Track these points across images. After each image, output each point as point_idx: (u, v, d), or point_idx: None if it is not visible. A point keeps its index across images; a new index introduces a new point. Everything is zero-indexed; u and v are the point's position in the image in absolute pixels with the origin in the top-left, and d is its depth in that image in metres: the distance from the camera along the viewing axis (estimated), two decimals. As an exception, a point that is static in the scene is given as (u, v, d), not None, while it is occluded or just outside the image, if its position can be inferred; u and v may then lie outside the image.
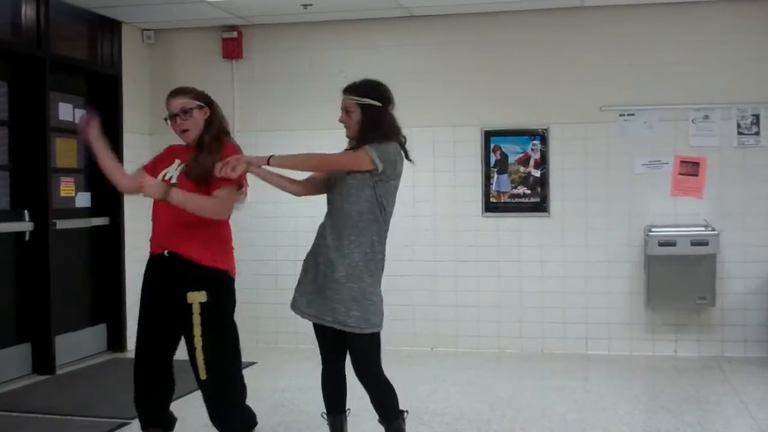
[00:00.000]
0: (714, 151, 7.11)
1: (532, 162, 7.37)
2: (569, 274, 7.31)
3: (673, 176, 7.17)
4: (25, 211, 6.61)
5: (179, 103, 4.29)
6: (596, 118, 7.26)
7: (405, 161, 4.21)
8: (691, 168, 7.14)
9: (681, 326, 7.17)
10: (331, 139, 7.53)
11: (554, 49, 7.34)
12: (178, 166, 4.21)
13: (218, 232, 4.20)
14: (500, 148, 7.40)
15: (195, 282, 4.06)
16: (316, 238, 4.17)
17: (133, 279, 7.67)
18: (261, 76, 7.83)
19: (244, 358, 7.26)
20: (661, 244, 6.90)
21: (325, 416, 4.29)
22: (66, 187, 7.20)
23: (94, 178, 7.50)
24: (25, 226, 6.60)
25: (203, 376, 4.11)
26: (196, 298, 4.06)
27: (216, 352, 4.14)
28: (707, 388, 6.10)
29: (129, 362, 7.17)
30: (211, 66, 7.89)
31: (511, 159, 7.40)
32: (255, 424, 4.26)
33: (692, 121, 7.14)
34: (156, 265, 4.22)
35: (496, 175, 7.42)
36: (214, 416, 4.14)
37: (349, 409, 4.29)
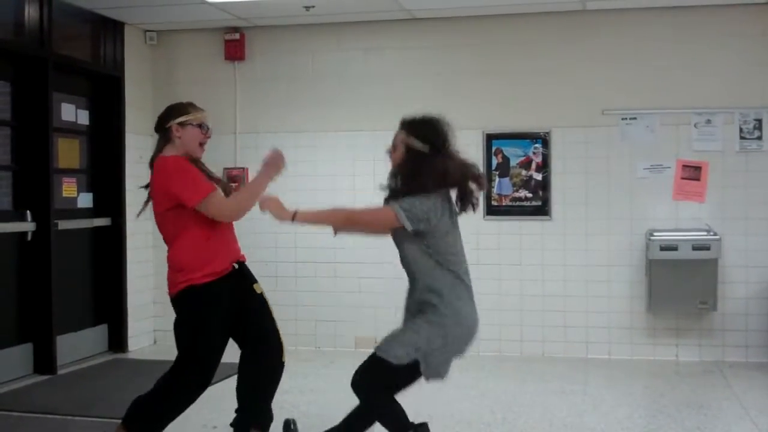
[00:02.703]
0: (716, 156, 7.11)
1: (533, 165, 7.37)
2: (570, 277, 7.31)
3: (675, 180, 7.17)
4: (27, 212, 6.61)
5: (204, 115, 4.41)
6: (598, 122, 7.26)
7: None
8: (693, 172, 7.14)
9: (682, 331, 7.16)
10: (332, 140, 7.64)
11: (556, 52, 7.34)
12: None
13: None
14: (502, 151, 7.41)
15: (252, 276, 4.44)
16: None
17: (134, 280, 7.70)
18: (263, 78, 7.84)
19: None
20: (662, 249, 6.90)
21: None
22: (68, 188, 7.20)
23: (96, 178, 7.53)
24: (27, 226, 6.60)
25: (285, 359, 4.43)
26: (261, 288, 4.42)
27: None
28: (708, 393, 6.10)
29: (130, 363, 7.24)
30: (213, 67, 7.91)
31: (513, 162, 7.40)
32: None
33: (694, 126, 7.14)
34: (232, 279, 4.30)
35: (497, 179, 7.42)
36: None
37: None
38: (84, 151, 7.43)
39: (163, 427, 4.30)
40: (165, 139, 4.34)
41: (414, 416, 5.00)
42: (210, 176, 4.36)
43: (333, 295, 7.48)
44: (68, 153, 7.20)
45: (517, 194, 7.40)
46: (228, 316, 4.26)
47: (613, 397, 5.96)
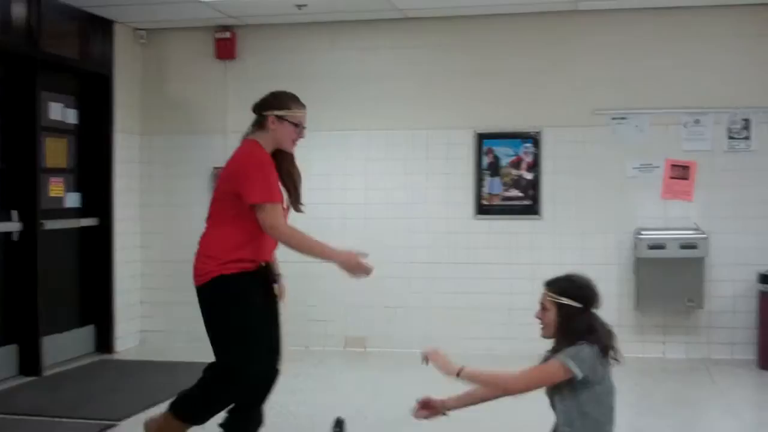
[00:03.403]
0: (705, 155, 7.13)
1: (524, 165, 7.37)
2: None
3: (663, 180, 7.19)
4: (14, 211, 6.57)
5: (304, 115, 4.32)
6: (588, 122, 7.27)
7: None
8: (681, 172, 7.16)
9: (669, 328, 7.19)
10: (325, 139, 7.60)
11: (548, 52, 7.35)
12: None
13: None
14: (493, 150, 7.41)
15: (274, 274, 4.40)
16: None
17: (122, 280, 7.66)
18: (255, 77, 7.79)
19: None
20: (650, 247, 6.92)
21: None
22: (55, 187, 7.15)
23: (83, 178, 7.48)
24: (14, 226, 6.56)
25: (280, 366, 4.39)
26: (278, 291, 4.42)
27: None
28: (694, 389, 6.14)
29: (117, 363, 7.21)
30: (204, 66, 7.88)
31: (504, 162, 7.40)
32: None
33: (684, 125, 7.16)
34: (259, 277, 4.27)
35: (488, 178, 7.42)
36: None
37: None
38: (72, 150, 7.38)
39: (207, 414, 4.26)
40: (259, 125, 4.27)
41: (404, 414, 4.98)
42: (288, 175, 4.28)
43: (323, 295, 7.47)
44: (56, 152, 7.16)
45: (507, 193, 7.40)
46: (257, 305, 4.20)
47: (602, 396, 5.96)
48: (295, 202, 4.34)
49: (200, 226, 8.33)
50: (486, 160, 7.42)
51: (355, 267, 4.05)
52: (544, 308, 3.88)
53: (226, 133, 7.82)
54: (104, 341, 7.58)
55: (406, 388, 5.84)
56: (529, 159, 7.36)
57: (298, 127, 4.26)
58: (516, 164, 7.38)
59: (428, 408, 3.96)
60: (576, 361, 3.67)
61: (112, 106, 7.58)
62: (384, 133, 7.58)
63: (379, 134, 7.61)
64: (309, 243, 4.11)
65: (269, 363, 4.25)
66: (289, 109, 4.26)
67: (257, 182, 4.08)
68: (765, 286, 6.71)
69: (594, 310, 3.84)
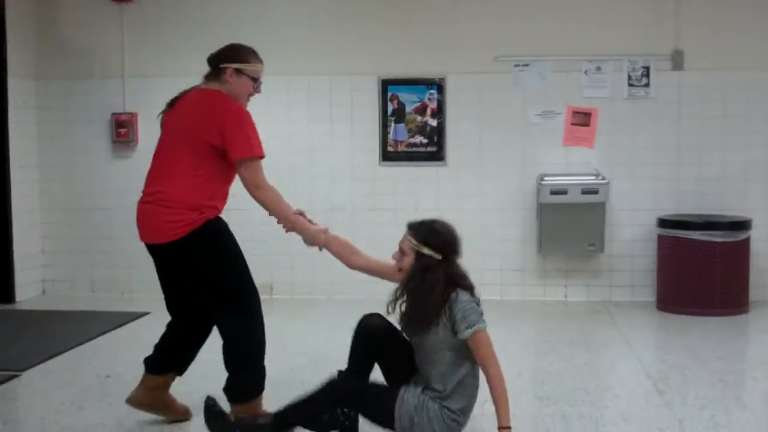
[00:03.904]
0: (605, 103, 7.28)
1: (428, 111, 7.40)
2: (464, 221, 7.30)
3: (565, 126, 7.32)
4: None
5: (262, 70, 4.21)
6: (491, 68, 7.33)
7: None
8: (583, 118, 7.30)
9: (571, 272, 7.38)
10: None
11: (452, -2, 7.36)
12: None
13: None
14: (397, 97, 7.41)
15: None
16: None
17: (21, 229, 7.46)
18: (151, 20, 7.60)
19: (140, 309, 7.16)
20: (552, 193, 7.06)
21: None
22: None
23: (-23, 124, 7.22)
24: None
25: None
26: None
27: None
28: (595, 331, 6.32)
29: (18, 313, 7.05)
30: (99, 9, 7.64)
31: (409, 108, 7.41)
32: None
33: (585, 73, 7.28)
34: None
35: (393, 125, 7.43)
36: None
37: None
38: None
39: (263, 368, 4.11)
40: (215, 76, 4.11)
41: (312, 359, 5.03)
42: None
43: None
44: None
45: (412, 140, 7.43)
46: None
47: (504, 336, 6.06)
48: None
49: (100, 172, 8.14)
50: (391, 107, 7.42)
51: (317, 241, 4.21)
52: (402, 251, 3.86)
53: (124, 78, 7.63)
54: (4, 291, 7.41)
55: (310, 335, 5.91)
56: (433, 105, 7.39)
57: (256, 81, 4.17)
58: (421, 111, 7.40)
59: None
60: (482, 317, 3.78)
61: (6, 50, 7.30)
62: (285, 79, 7.46)
63: (280, 80, 7.50)
64: (284, 208, 4.13)
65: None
66: (248, 62, 4.16)
67: (243, 136, 3.96)
68: (663, 230, 6.93)
69: (454, 260, 3.81)
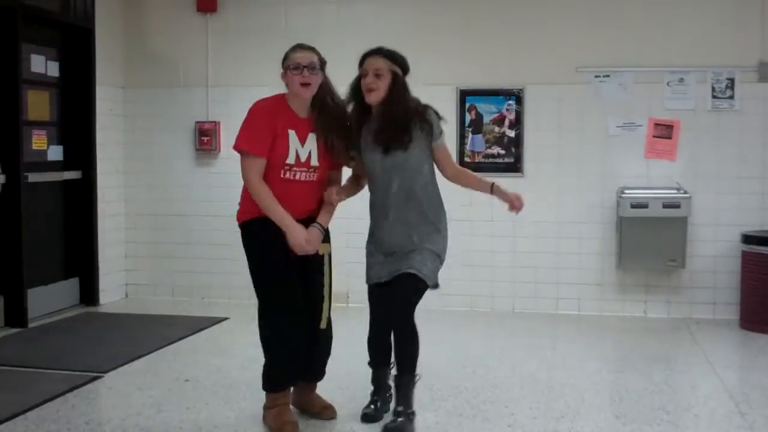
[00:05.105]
0: (688, 115, 7.14)
1: (506, 122, 7.37)
2: (541, 234, 7.35)
3: (647, 139, 7.21)
4: (-3, 164, 6.55)
5: (309, 56, 4.27)
6: (572, 80, 7.26)
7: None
8: (664, 131, 7.18)
9: (651, 287, 7.25)
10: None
11: (532, 9, 7.31)
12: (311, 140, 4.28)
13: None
14: (475, 107, 7.40)
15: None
16: None
17: (106, 234, 7.67)
18: (235, 30, 7.75)
19: (219, 314, 7.30)
20: (633, 206, 6.95)
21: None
22: (38, 140, 7.11)
23: (66, 131, 7.45)
24: (-2, 178, 6.55)
25: (324, 325, 4.39)
26: (326, 249, 4.36)
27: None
28: (675, 348, 6.19)
29: (101, 316, 7.24)
30: (185, 19, 7.81)
31: (486, 119, 7.40)
32: None
33: (667, 84, 7.16)
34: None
35: (470, 135, 7.42)
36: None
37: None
38: (54, 103, 7.33)
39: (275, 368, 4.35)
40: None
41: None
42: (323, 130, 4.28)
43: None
44: (38, 105, 7.10)
45: (489, 151, 7.40)
46: (283, 249, 4.21)
47: (582, 352, 6.04)
48: (338, 156, 4.33)
49: (183, 180, 8.36)
50: (469, 117, 7.41)
51: (297, 246, 4.16)
52: (378, 75, 4.25)
53: (207, 87, 7.79)
54: (89, 294, 7.60)
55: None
56: (511, 116, 7.35)
57: (298, 69, 4.20)
58: (499, 121, 7.37)
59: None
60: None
61: (94, 59, 7.51)
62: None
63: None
64: (271, 207, 4.15)
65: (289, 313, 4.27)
66: (286, 58, 4.27)
67: (240, 130, 4.21)
68: (747, 246, 6.76)
69: None
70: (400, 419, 4.24)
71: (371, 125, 4.31)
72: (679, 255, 7.02)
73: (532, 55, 7.31)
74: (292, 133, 4.19)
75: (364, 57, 4.36)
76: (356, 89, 4.34)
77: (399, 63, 4.35)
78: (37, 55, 7.05)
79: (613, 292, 7.29)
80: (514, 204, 4.46)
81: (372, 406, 4.47)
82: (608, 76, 7.23)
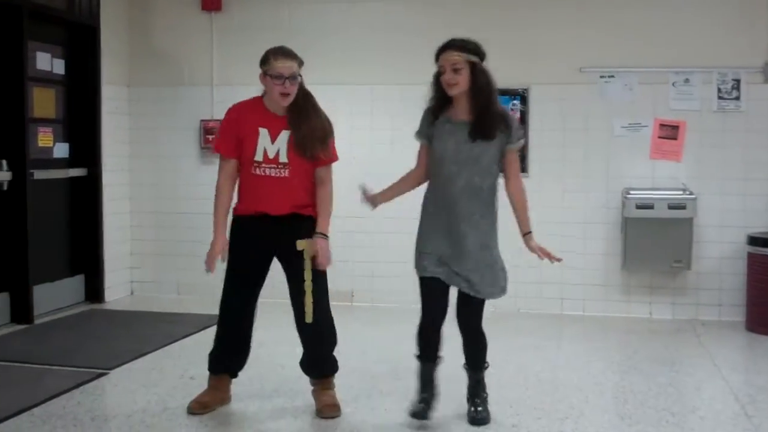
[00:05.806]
0: (694, 115, 7.13)
1: (512, 122, 7.35)
2: (546, 234, 7.28)
3: (652, 139, 7.20)
4: (3, 161, 6.54)
5: (291, 67, 4.29)
6: (576, 80, 7.26)
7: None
8: (670, 131, 7.17)
9: (656, 289, 7.24)
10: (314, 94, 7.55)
11: (536, 9, 7.31)
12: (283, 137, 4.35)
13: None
14: (481, 107, 7.38)
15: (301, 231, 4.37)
16: None
17: (111, 231, 7.68)
18: (240, 29, 7.75)
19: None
20: (638, 207, 6.95)
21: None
22: (44, 137, 7.12)
23: (72, 128, 7.46)
24: (3, 175, 6.54)
25: (309, 319, 4.38)
26: (302, 245, 4.36)
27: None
28: (680, 350, 6.18)
29: (107, 313, 7.25)
30: (190, 17, 7.82)
31: (492, 118, 7.38)
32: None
33: (672, 85, 7.16)
34: (265, 224, 4.38)
35: (476, 135, 7.41)
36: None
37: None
38: (60, 100, 7.34)
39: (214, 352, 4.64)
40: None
41: (392, 370, 5.06)
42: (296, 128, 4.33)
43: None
44: (44, 102, 7.11)
45: (495, 151, 7.39)
46: (256, 250, 4.41)
47: (586, 353, 6.04)
48: (305, 150, 4.34)
49: (188, 178, 8.38)
50: (475, 117, 7.39)
51: (207, 256, 4.37)
52: (456, 70, 4.21)
53: (212, 85, 7.80)
54: (94, 291, 7.62)
55: (392, 341, 5.93)
56: (516, 116, 7.35)
57: (279, 79, 4.21)
58: (505, 121, 7.36)
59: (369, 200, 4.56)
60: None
61: (100, 57, 7.52)
62: (368, 89, 7.54)
63: (367, 90, 7.58)
64: (216, 209, 4.39)
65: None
66: (268, 63, 4.28)
67: (219, 132, 4.50)
68: (753, 247, 6.75)
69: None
70: (480, 408, 4.44)
71: (452, 112, 4.30)
72: (684, 256, 7.01)
73: (536, 56, 7.31)
74: (263, 131, 4.29)
75: (439, 53, 4.31)
76: (437, 84, 4.33)
77: (473, 51, 4.28)
78: (42, 52, 7.06)
79: (618, 293, 7.29)
80: (541, 257, 4.57)
81: (422, 404, 4.39)
82: (613, 76, 7.22)
